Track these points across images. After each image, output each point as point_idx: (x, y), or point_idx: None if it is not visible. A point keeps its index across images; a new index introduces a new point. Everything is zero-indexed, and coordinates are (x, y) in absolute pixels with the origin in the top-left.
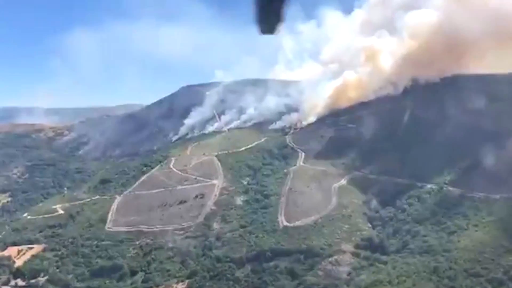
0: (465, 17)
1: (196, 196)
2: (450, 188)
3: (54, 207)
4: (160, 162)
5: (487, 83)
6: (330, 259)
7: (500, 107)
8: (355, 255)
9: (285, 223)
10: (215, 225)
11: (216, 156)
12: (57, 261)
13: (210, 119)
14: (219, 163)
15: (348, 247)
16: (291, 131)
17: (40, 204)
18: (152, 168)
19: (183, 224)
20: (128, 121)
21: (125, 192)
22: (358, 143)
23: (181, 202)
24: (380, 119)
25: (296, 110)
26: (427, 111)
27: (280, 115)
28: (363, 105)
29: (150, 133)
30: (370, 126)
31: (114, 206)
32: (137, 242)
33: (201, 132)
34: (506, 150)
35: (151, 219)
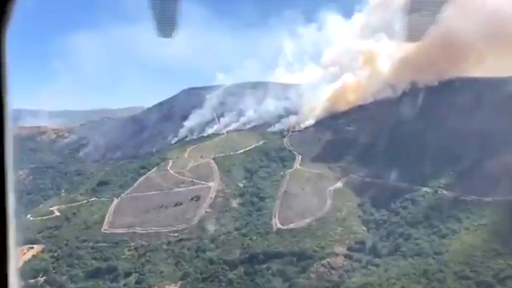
0: (463, 20)
1: (192, 199)
2: (445, 192)
3: (51, 209)
4: (158, 164)
5: (485, 87)
6: (322, 261)
7: (499, 110)
8: (348, 257)
9: (279, 226)
10: (210, 227)
11: (213, 158)
12: (53, 262)
13: (210, 122)
14: (215, 166)
15: (341, 249)
16: (290, 134)
17: (41, 206)
18: (149, 170)
19: (178, 226)
20: (128, 123)
21: (122, 194)
22: (356, 146)
23: (176, 204)
24: (378, 122)
25: (295, 113)
26: (425, 115)
27: (279, 118)
28: (361, 108)
29: (150, 135)
30: (368, 129)
31: (111, 208)
32: (132, 244)
33: (200, 134)
34: (501, 153)
35: (146, 221)
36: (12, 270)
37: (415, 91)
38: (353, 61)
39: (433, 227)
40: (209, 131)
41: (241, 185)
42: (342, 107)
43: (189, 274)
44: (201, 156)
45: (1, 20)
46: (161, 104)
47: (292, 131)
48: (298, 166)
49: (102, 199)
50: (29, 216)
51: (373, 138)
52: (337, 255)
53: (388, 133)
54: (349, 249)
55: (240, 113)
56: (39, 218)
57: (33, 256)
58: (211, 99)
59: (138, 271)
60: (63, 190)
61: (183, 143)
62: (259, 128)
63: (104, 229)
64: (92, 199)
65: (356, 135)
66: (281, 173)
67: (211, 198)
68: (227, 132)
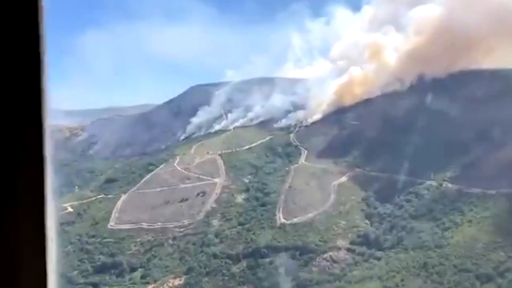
0: (471, 11)
1: (198, 194)
2: (449, 185)
3: (64, 205)
4: (165, 161)
5: (494, 78)
6: (324, 255)
7: (507, 102)
8: (350, 251)
9: (282, 220)
10: (215, 223)
11: (219, 155)
12: (64, 257)
13: (217, 118)
14: (221, 162)
15: (343, 243)
16: (296, 129)
17: (55, 202)
18: (157, 167)
19: (184, 221)
20: (138, 120)
21: (129, 191)
22: (362, 141)
23: (182, 200)
24: (385, 116)
25: (302, 108)
26: (432, 108)
27: (286, 113)
28: (368, 101)
29: (159, 132)
30: (374, 123)
31: (118, 204)
32: (138, 240)
33: (208, 131)
34: (508, 146)
35: (153, 217)
36: (51, 268)
37: (422, 84)
38: (361, 55)
39: (436, 220)
40: (217, 127)
41: (246, 180)
42: (349, 101)
43: (193, 269)
44: (208, 153)
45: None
46: (170, 101)
47: (299, 126)
48: (303, 161)
49: (110, 196)
50: None
51: (379, 132)
52: (339, 249)
53: (394, 127)
54: (352, 243)
55: (248, 109)
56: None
57: None
58: (219, 96)
59: (143, 266)
60: (76, 187)
61: (190, 139)
62: (266, 124)
63: (111, 225)
64: (100, 196)
65: (362, 129)
66: (286, 168)
67: (216, 193)
68: (234, 128)
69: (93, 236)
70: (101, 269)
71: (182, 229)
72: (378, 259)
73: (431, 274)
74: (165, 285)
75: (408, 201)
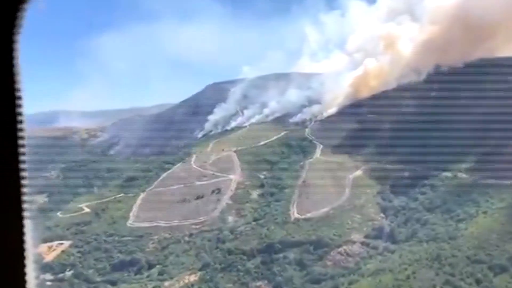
0: None
1: (213, 191)
2: (464, 175)
3: (80, 206)
4: (182, 159)
5: None
6: (339, 249)
7: None
8: (365, 244)
9: (296, 215)
10: (230, 219)
11: (235, 151)
12: (80, 257)
13: (234, 115)
14: (237, 158)
15: (358, 237)
16: (311, 124)
17: (71, 203)
18: (174, 165)
19: (200, 218)
20: (157, 120)
21: (147, 189)
22: (377, 134)
23: (198, 197)
24: (401, 108)
25: (318, 102)
26: (449, 98)
27: (301, 108)
28: (384, 93)
29: (177, 131)
30: (390, 116)
31: (137, 203)
32: (156, 237)
33: (224, 128)
34: None
35: (170, 215)
36: (30, 270)
37: (439, 74)
38: (377, 47)
39: (451, 211)
40: (233, 124)
41: (261, 176)
42: (365, 93)
43: (208, 265)
44: (223, 150)
45: (11, 25)
46: (188, 100)
47: (314, 121)
48: (318, 156)
49: (129, 194)
50: (59, 213)
51: (395, 125)
52: (354, 242)
53: (410, 119)
54: (366, 236)
55: (263, 105)
56: (69, 215)
57: (62, 251)
58: (235, 93)
59: (160, 263)
60: (95, 188)
61: (207, 137)
62: (281, 119)
63: (130, 223)
64: (120, 195)
65: (378, 122)
66: (301, 163)
67: (231, 190)
68: (249, 124)
69: (111, 235)
70: (120, 267)
71: (198, 226)
72: (392, 252)
73: (443, 266)
74: (181, 281)
75: (423, 193)
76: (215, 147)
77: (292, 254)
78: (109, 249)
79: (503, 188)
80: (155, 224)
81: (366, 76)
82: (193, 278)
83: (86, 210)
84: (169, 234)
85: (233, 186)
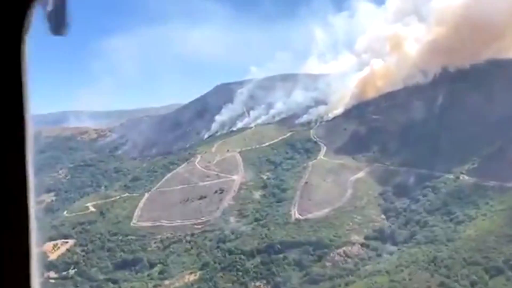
0: None
1: (216, 192)
2: (466, 177)
3: (86, 205)
4: (187, 159)
5: None
6: (338, 250)
7: None
8: (365, 246)
9: (297, 216)
10: (232, 219)
11: (239, 152)
12: (84, 255)
13: (240, 116)
14: (240, 159)
15: (358, 238)
16: (317, 125)
17: (77, 202)
18: (179, 165)
19: (202, 218)
20: (165, 120)
21: (152, 190)
22: (382, 135)
23: (201, 198)
24: (406, 109)
25: (324, 103)
26: (456, 100)
27: (307, 108)
28: (390, 94)
29: (184, 131)
30: (395, 117)
31: (141, 203)
32: (158, 236)
33: (230, 129)
34: None
35: (173, 214)
36: (34, 269)
37: (445, 76)
38: (384, 47)
39: (451, 213)
40: (239, 125)
41: (264, 177)
42: (371, 94)
43: (208, 264)
44: (228, 150)
45: (20, 26)
46: (196, 100)
47: (320, 122)
48: (321, 157)
49: (134, 194)
50: (65, 212)
51: (400, 126)
52: (353, 244)
53: (415, 120)
54: (366, 237)
55: (270, 106)
56: (74, 214)
57: (67, 250)
58: (242, 94)
59: (162, 262)
60: (102, 187)
61: (213, 138)
62: (287, 120)
63: (133, 223)
64: (125, 194)
65: (382, 124)
66: (304, 164)
67: (234, 190)
68: (255, 125)
69: (115, 234)
70: (122, 266)
71: (200, 226)
72: (391, 253)
73: (440, 268)
74: (181, 280)
75: (424, 195)
76: (219, 147)
77: (291, 255)
78: (112, 248)
79: (503, 190)
80: (158, 223)
81: (373, 77)
82: (193, 277)
83: (92, 209)
84: (172, 233)
85: (236, 186)
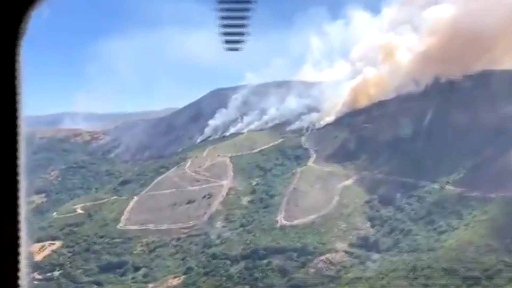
0: (488, 10)
1: (204, 196)
2: (452, 187)
3: (74, 207)
4: (178, 164)
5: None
6: (322, 257)
7: None
8: (348, 253)
9: (283, 222)
10: (218, 224)
11: (229, 157)
12: (69, 257)
13: (234, 121)
14: (231, 164)
15: (342, 245)
16: (308, 132)
17: (66, 204)
18: (169, 169)
19: (189, 223)
20: (159, 124)
21: (141, 193)
22: (371, 144)
23: (189, 202)
24: (396, 119)
25: (317, 110)
26: (446, 110)
27: (300, 115)
28: (381, 103)
29: (177, 135)
30: (385, 126)
31: (129, 206)
32: (144, 240)
33: (223, 134)
34: None
35: (160, 218)
36: (23, 270)
37: (437, 86)
38: (375, 56)
39: (434, 223)
40: (232, 130)
41: (253, 183)
42: (363, 102)
43: (192, 269)
44: (218, 155)
45: (15, 31)
46: (190, 105)
47: (311, 129)
48: (310, 164)
49: (123, 197)
50: (54, 214)
51: (389, 135)
52: (337, 251)
53: (404, 129)
54: (350, 245)
55: (263, 112)
56: (63, 216)
57: (53, 251)
58: (236, 99)
59: (146, 266)
60: (93, 189)
61: (205, 142)
62: (280, 126)
63: (121, 226)
64: (113, 197)
65: (372, 133)
66: (293, 171)
67: (222, 196)
68: (248, 131)
69: (101, 237)
70: (107, 268)
71: (186, 230)
72: (374, 261)
73: (418, 276)
74: (164, 284)
75: (409, 204)
76: (210, 152)
77: (275, 261)
78: (98, 250)
79: (487, 201)
80: (145, 227)
81: (365, 85)
82: (176, 281)
83: (80, 211)
84: (158, 237)
85: (224, 192)
